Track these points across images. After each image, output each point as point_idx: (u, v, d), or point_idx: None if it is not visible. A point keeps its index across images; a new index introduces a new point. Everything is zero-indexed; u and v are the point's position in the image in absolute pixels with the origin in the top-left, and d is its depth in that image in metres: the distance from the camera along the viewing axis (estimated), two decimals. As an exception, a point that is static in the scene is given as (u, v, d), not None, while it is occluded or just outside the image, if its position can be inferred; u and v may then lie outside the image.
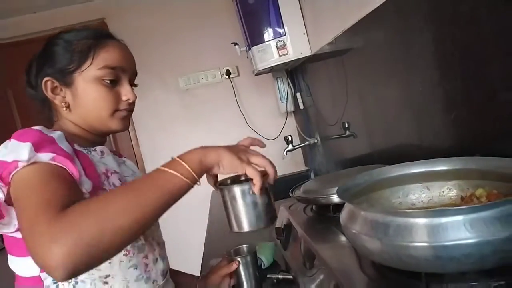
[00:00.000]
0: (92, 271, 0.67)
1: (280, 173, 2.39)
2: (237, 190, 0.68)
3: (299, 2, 1.78)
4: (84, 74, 0.73)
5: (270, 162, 0.68)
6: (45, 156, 0.60)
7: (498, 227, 0.45)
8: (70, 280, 0.67)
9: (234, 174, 0.69)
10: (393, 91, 1.07)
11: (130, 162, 0.92)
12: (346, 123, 1.45)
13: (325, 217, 0.90)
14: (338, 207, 0.88)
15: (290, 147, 1.87)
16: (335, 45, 1.43)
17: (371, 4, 1.05)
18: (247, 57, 1.95)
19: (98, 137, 0.80)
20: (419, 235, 0.47)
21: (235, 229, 0.70)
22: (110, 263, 0.69)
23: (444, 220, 0.46)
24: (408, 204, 0.71)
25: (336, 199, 0.87)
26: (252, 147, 0.72)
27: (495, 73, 0.69)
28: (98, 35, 0.75)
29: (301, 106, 2.04)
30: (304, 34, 1.77)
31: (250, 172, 0.64)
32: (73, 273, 0.49)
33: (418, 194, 0.71)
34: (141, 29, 2.26)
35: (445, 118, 0.85)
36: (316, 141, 1.91)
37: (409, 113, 1.01)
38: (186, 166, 0.59)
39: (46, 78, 0.73)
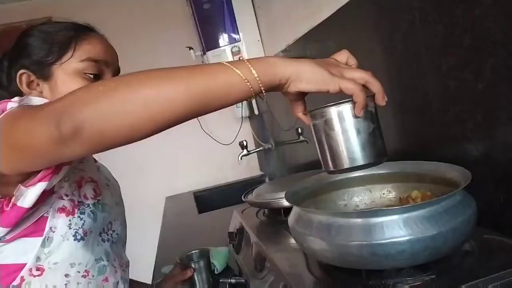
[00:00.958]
0: None
1: (235, 178, 2.42)
2: (332, 112, 0.54)
3: (254, 10, 1.81)
4: (65, 67, 0.67)
5: (374, 76, 0.53)
6: None
7: (427, 226, 0.49)
8: None
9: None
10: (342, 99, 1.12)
11: (105, 168, 0.87)
12: (299, 129, 1.49)
13: (276, 221, 0.93)
14: (289, 210, 0.91)
15: (245, 152, 1.89)
16: (289, 53, 1.48)
17: (320, 15, 1.10)
18: (202, 62, 1.95)
19: None
20: (358, 234, 0.50)
21: (331, 167, 0.56)
22: (66, 284, 0.65)
23: (379, 220, 0.50)
24: (352, 206, 0.75)
25: (286, 202, 0.89)
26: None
27: (424, 85, 0.75)
28: (80, 27, 0.72)
29: (256, 112, 2.07)
30: (258, 41, 1.81)
31: (347, 87, 0.50)
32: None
33: (361, 196, 0.75)
34: (93, 30, 2.19)
35: (389, 127, 0.91)
36: (270, 146, 1.95)
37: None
38: (251, 68, 0.48)
39: (21, 71, 0.68)
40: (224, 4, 1.81)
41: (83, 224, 0.66)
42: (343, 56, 0.56)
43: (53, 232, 0.63)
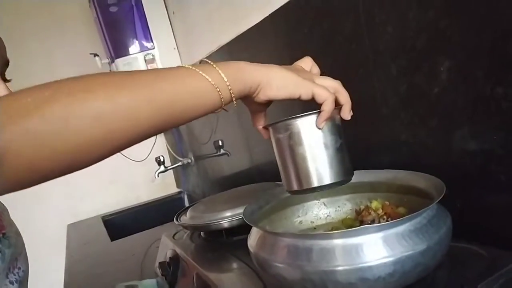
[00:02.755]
0: None
1: (149, 197, 2.22)
2: (299, 124, 0.48)
3: (168, 15, 1.69)
4: None
5: (341, 86, 0.50)
6: None
7: (415, 240, 0.44)
8: None
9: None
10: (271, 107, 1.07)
11: None
12: (219, 141, 1.41)
13: (216, 243, 0.83)
14: (231, 230, 0.81)
15: (162, 168, 1.74)
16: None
17: (250, 20, 1.04)
18: (110, 70, 1.76)
19: None
20: (343, 257, 0.44)
21: (295, 186, 0.50)
22: None
23: (366, 238, 0.44)
24: (308, 222, 0.68)
25: (228, 223, 0.80)
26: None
27: (370, 88, 0.73)
28: None
29: (172, 125, 1.93)
30: (174, 48, 1.69)
31: (320, 93, 0.46)
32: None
33: (316, 211, 0.69)
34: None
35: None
36: (190, 161, 1.83)
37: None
38: (221, 73, 0.43)
39: None
40: (134, 7, 1.66)
41: None
42: (307, 63, 0.54)
43: None
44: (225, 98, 0.44)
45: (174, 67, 0.44)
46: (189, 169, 1.91)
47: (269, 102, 0.51)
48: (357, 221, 0.64)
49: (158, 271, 0.86)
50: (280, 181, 0.98)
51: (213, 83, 0.43)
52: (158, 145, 2.06)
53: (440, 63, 0.59)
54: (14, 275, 0.57)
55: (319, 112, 0.48)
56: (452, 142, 0.61)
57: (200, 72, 0.42)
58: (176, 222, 0.88)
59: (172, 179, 2.24)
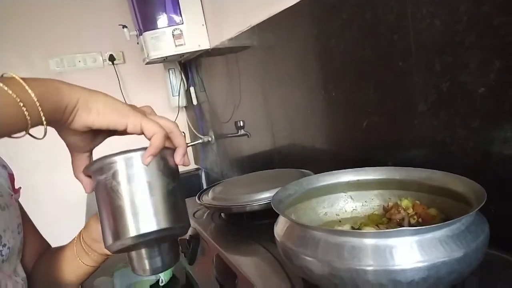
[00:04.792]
0: None
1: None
2: (120, 161, 0.43)
3: (199, -9, 1.66)
4: None
5: (177, 128, 0.47)
6: None
7: (452, 247, 0.43)
8: None
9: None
10: (299, 94, 1.05)
11: None
12: (240, 122, 1.40)
13: (237, 226, 0.83)
14: (253, 214, 0.81)
15: (183, 144, 1.74)
16: (236, 41, 1.37)
17: (281, 4, 1.01)
18: (137, 43, 1.75)
19: None
20: (376, 258, 0.43)
21: (110, 239, 0.44)
22: None
23: (400, 241, 0.43)
24: (333, 214, 0.67)
25: (251, 207, 0.80)
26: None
27: (409, 84, 0.70)
28: None
29: (195, 102, 1.93)
30: (203, 25, 1.66)
31: (150, 126, 0.43)
32: None
33: (342, 204, 0.68)
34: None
35: (357, 125, 0.86)
36: (210, 139, 1.83)
37: (317, 116, 1.00)
38: (27, 88, 0.38)
39: None
40: (165, -20, 1.64)
41: None
42: (146, 108, 0.49)
43: None
44: (32, 117, 0.38)
45: None
46: (209, 147, 1.92)
47: (93, 139, 0.46)
48: (385, 218, 0.63)
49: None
50: (304, 168, 0.97)
51: (14, 96, 0.37)
52: (179, 121, 2.07)
53: (490, 62, 0.56)
54: None
55: (145, 148, 0.44)
56: (492, 146, 0.59)
57: (0, 84, 0.37)
58: (198, 201, 0.88)
59: (191, 154, 2.26)
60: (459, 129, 0.63)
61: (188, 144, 1.78)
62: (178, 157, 0.47)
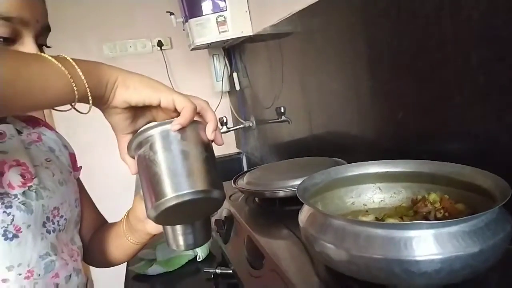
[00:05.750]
0: None
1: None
2: (155, 131, 0.47)
3: (243, -23, 1.68)
4: None
5: (209, 106, 0.51)
6: None
7: (468, 242, 0.44)
8: None
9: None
10: (337, 82, 1.06)
11: (51, 135, 0.73)
12: (281, 108, 1.42)
13: (270, 211, 0.87)
14: (285, 200, 0.85)
15: (225, 129, 1.80)
16: (278, 28, 1.38)
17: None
18: (183, 30, 1.82)
19: None
20: (390, 248, 0.45)
21: (150, 205, 0.46)
22: None
23: (416, 233, 0.44)
24: (360, 204, 0.69)
25: (283, 193, 0.83)
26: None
27: (446, 75, 0.69)
28: None
29: (237, 87, 1.97)
30: (246, 11, 1.69)
31: (181, 99, 0.47)
32: None
33: (370, 194, 0.70)
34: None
35: (392, 117, 0.85)
36: (251, 124, 1.87)
37: (353, 106, 1.00)
38: (73, 62, 0.43)
39: None
40: (211, -34, 1.67)
41: (13, 219, 0.55)
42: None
43: None
44: (79, 89, 0.43)
45: (29, 54, 0.44)
46: (250, 132, 1.96)
47: (134, 120, 0.50)
48: (412, 210, 0.64)
49: (214, 227, 0.93)
50: (339, 157, 0.99)
51: (64, 69, 0.42)
52: (222, 106, 2.13)
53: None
54: (53, 223, 0.63)
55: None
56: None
57: (51, 58, 0.42)
58: (233, 185, 0.93)
59: (233, 139, 2.32)
60: (493, 124, 0.62)
61: (230, 129, 1.84)
62: (209, 131, 0.50)
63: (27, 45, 0.56)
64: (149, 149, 0.47)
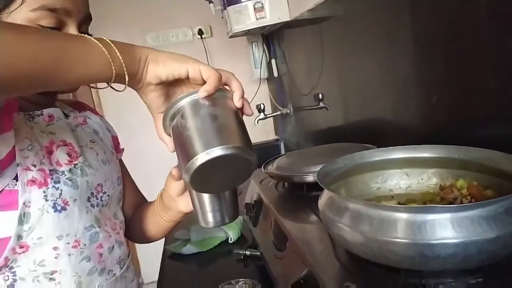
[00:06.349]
0: (34, 266, 0.59)
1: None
2: (185, 100, 0.50)
3: (280, -38, 1.67)
4: (14, 17, 0.57)
5: (234, 76, 0.54)
6: None
7: (485, 228, 0.43)
8: (6, 277, 0.59)
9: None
10: (373, 68, 1.03)
11: (96, 118, 0.79)
12: (320, 95, 1.41)
13: (298, 196, 0.88)
14: (312, 185, 0.85)
15: (262, 115, 1.82)
16: (315, 12, 1.36)
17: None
18: (222, 17, 1.84)
19: (44, 97, 0.66)
20: (404, 231, 0.45)
21: (185, 164, 0.46)
22: (56, 257, 0.61)
23: (431, 217, 0.44)
24: (386, 190, 0.69)
25: (310, 178, 0.84)
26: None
27: (481, 59, 0.66)
28: None
29: (276, 74, 1.98)
30: (283, -3, 1.68)
31: (206, 68, 0.50)
32: None
33: (396, 180, 0.69)
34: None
35: (426, 101, 0.83)
36: (288, 111, 1.87)
37: (388, 91, 0.98)
38: (108, 41, 0.48)
39: None
40: (248, -47, 1.67)
41: (61, 193, 0.61)
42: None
43: (28, 207, 0.58)
44: (116, 65, 0.47)
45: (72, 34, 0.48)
46: (287, 119, 1.97)
47: (168, 97, 0.53)
48: (438, 196, 0.62)
49: (243, 211, 0.95)
50: (372, 143, 0.97)
51: (102, 47, 0.46)
52: (260, 93, 2.15)
53: None
54: (97, 199, 0.68)
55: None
56: None
57: (91, 38, 0.47)
58: (263, 170, 0.95)
59: (271, 126, 2.33)
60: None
61: (267, 115, 1.85)
62: (235, 99, 0.52)
63: (71, 33, 0.61)
64: (180, 118, 0.50)
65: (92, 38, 0.48)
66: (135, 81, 0.51)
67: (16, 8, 0.57)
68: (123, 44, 0.50)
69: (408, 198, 0.63)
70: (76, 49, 0.45)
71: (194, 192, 0.60)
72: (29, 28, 0.50)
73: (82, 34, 0.50)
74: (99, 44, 0.47)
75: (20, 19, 0.57)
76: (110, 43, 0.48)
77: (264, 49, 2.04)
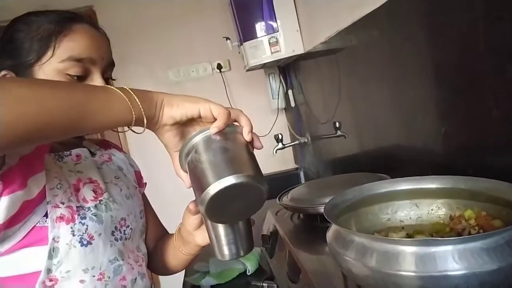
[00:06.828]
0: None
1: (269, 170, 2.37)
2: (198, 137, 0.54)
3: (293, -1, 1.74)
4: (45, 68, 0.63)
5: (243, 113, 0.57)
6: None
7: (486, 259, 0.43)
8: None
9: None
10: (385, 96, 1.06)
11: (120, 155, 0.84)
12: (337, 123, 1.43)
13: (312, 227, 0.89)
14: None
15: (280, 145, 1.84)
16: (329, 44, 1.41)
17: (366, 7, 1.03)
18: (239, 52, 1.92)
19: (73, 138, 0.72)
20: (407, 263, 0.46)
21: (199, 195, 0.48)
22: None
23: (433, 250, 0.45)
24: (396, 220, 0.69)
25: (321, 208, 0.85)
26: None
27: (488, 88, 0.67)
28: (61, 19, 0.65)
29: (293, 104, 2.02)
30: (297, 31, 1.74)
31: (216, 107, 0.54)
32: None
33: (406, 211, 0.70)
34: (132, 18, 2.20)
35: (436, 130, 0.84)
36: (306, 140, 1.90)
37: (399, 119, 0.99)
38: (127, 88, 0.52)
39: (3, 72, 0.64)
40: (263, -9, 1.75)
41: (87, 228, 0.65)
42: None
43: (57, 242, 0.62)
44: (135, 111, 0.51)
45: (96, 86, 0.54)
46: (306, 148, 1.99)
47: (183, 137, 0.57)
48: (448, 227, 0.63)
49: (260, 242, 0.97)
50: (385, 173, 0.98)
51: (123, 95, 0.50)
52: (278, 123, 2.19)
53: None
54: (121, 232, 0.72)
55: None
56: None
57: (113, 88, 0.51)
58: (278, 202, 0.97)
59: (291, 154, 2.36)
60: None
61: (286, 145, 1.88)
62: (245, 133, 0.55)
63: (96, 80, 0.67)
64: (194, 153, 0.53)
65: (114, 88, 0.52)
66: (152, 123, 0.55)
67: (47, 61, 0.63)
68: (141, 91, 0.54)
69: (415, 229, 0.63)
70: (100, 99, 0.50)
71: (210, 225, 0.62)
72: (60, 82, 0.56)
73: (106, 85, 0.55)
74: (120, 92, 0.51)
75: (50, 70, 0.63)
76: (130, 91, 0.52)
77: (281, 80, 2.10)
